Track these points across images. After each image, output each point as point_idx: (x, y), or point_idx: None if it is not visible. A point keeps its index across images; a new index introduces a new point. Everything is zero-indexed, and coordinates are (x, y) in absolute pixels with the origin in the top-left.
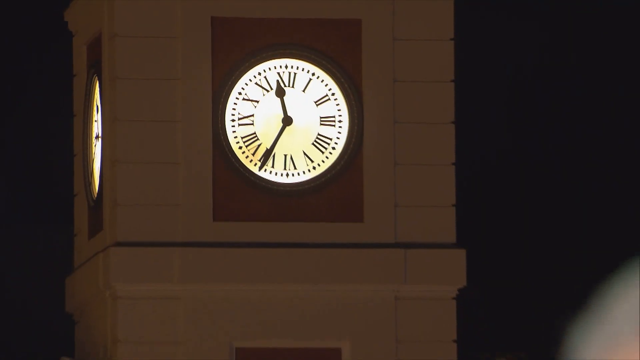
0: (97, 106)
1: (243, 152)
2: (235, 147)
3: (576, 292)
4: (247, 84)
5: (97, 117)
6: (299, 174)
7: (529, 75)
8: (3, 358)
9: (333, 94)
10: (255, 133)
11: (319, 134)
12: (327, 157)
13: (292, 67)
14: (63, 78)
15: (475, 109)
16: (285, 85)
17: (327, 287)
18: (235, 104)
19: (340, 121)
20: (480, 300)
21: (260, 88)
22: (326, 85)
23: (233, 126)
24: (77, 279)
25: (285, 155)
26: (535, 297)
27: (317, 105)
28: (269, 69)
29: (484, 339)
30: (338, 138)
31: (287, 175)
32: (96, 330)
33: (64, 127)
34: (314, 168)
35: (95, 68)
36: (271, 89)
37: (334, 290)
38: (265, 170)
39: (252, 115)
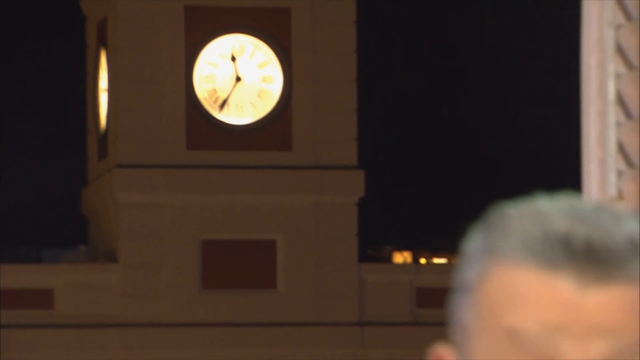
0: (104, 69)
1: (207, 102)
2: (201, 98)
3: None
4: (210, 53)
5: (103, 76)
6: (246, 117)
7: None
8: (33, 243)
9: (271, 60)
10: (215, 88)
11: (261, 89)
12: (267, 105)
13: (242, 40)
14: (79, 49)
15: (377, 68)
16: (236, 54)
17: (266, 197)
18: (201, 67)
19: (276, 79)
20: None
21: (219, 56)
22: (266, 54)
23: (200, 83)
24: (90, 191)
25: (237, 104)
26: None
27: (259, 68)
28: (226, 41)
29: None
30: (275, 91)
31: (239, 118)
32: (104, 229)
33: (80, 83)
34: (257, 113)
35: (102, 42)
36: (227, 56)
37: (271, 199)
38: (223, 114)
39: (214, 75)
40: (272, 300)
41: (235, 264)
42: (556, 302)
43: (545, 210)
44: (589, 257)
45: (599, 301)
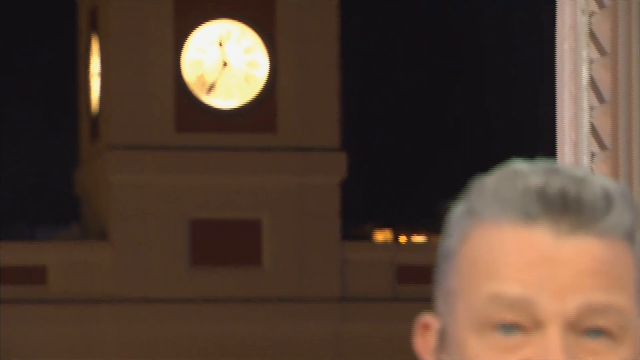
0: (95, 54)
1: (195, 86)
2: (189, 82)
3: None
4: (198, 39)
5: (94, 61)
6: (233, 101)
7: None
8: (27, 221)
9: (257, 46)
10: (203, 73)
11: (247, 73)
12: (253, 89)
13: (229, 26)
14: (71, 36)
15: (359, 52)
16: (223, 39)
17: (252, 177)
18: (189, 52)
19: (262, 64)
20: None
21: (207, 41)
22: (252, 39)
23: (188, 68)
24: (82, 172)
25: (224, 88)
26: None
27: (246, 53)
28: (213, 28)
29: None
30: (260, 76)
31: (226, 101)
32: (96, 208)
33: (71, 68)
34: (244, 97)
35: (93, 28)
36: (214, 42)
37: (257, 179)
38: (210, 98)
39: (201, 60)
40: (257, 277)
41: (222, 242)
42: (533, 255)
43: (521, 169)
44: (564, 208)
45: (573, 252)
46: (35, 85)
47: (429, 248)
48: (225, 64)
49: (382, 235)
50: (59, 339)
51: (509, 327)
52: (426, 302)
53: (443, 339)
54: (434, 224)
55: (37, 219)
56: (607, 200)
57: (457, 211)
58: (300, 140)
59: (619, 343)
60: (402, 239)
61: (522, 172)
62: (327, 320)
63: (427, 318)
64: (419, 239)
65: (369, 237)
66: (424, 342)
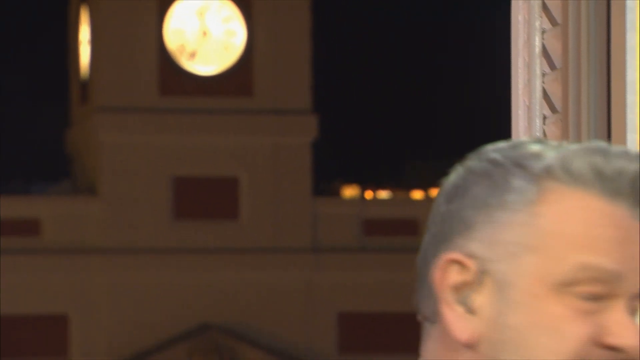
0: (84, 23)
1: (177, 53)
2: (172, 49)
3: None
4: (180, 9)
5: (83, 30)
6: (213, 67)
7: None
8: (22, 177)
9: (235, 16)
10: (184, 41)
11: (226, 41)
12: (231, 56)
13: None
14: (62, 6)
15: (329, 21)
16: (203, 10)
17: (230, 138)
18: (172, 21)
19: (239, 33)
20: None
21: (188, 11)
22: (231, 10)
23: (170, 36)
24: (73, 132)
25: (204, 55)
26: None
27: (224, 22)
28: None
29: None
30: (238, 44)
31: (206, 67)
32: (86, 165)
33: (62, 36)
34: (222, 63)
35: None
36: (195, 12)
37: (235, 140)
38: (192, 64)
39: (183, 29)
40: (234, 229)
41: (203, 197)
42: (623, 235)
43: (603, 147)
44: None
45: None
46: (28, 53)
47: (393, 203)
48: (205, 33)
49: (350, 191)
50: (51, 286)
51: (592, 296)
52: (391, 253)
53: (482, 280)
54: (398, 181)
55: (32, 175)
56: None
57: (523, 168)
58: (274, 103)
59: None
60: (369, 194)
61: (609, 151)
62: (299, 269)
63: (457, 256)
64: (384, 194)
65: (337, 193)
66: (444, 277)
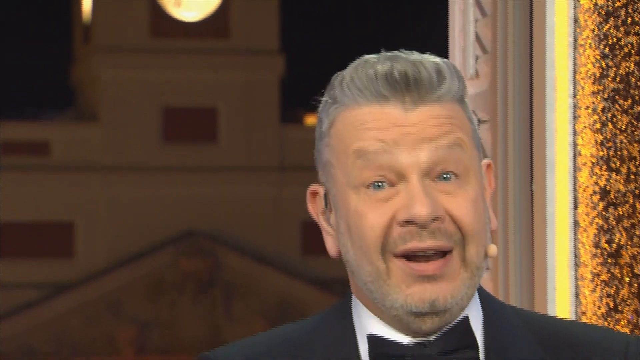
0: None
1: (165, 0)
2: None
3: None
4: None
5: None
6: (195, 12)
7: None
8: (34, 106)
9: None
10: None
11: None
12: (211, 3)
13: None
14: None
15: None
16: None
17: (211, 73)
18: None
19: None
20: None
21: None
22: None
23: None
24: (77, 67)
25: (188, 3)
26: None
27: None
28: None
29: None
30: None
31: (189, 13)
32: (88, 95)
33: None
34: (204, 10)
35: None
36: None
37: (214, 75)
38: (178, 10)
39: None
40: (214, 151)
41: (187, 123)
42: (388, 124)
43: (369, 59)
44: (406, 85)
45: (419, 117)
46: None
47: None
48: None
49: (311, 119)
50: (60, 198)
51: (379, 184)
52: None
53: (327, 201)
54: None
55: (42, 104)
56: (439, 74)
57: (324, 102)
58: (247, 44)
59: (466, 181)
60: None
61: (370, 61)
62: (268, 184)
63: (314, 187)
64: None
65: (301, 121)
66: (314, 206)
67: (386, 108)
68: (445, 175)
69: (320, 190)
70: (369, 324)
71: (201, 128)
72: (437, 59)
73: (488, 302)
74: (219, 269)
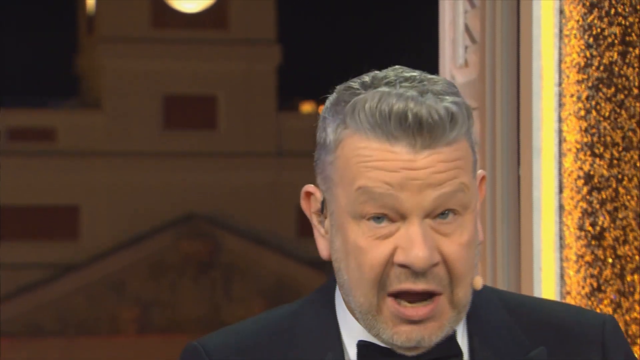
0: None
1: None
2: None
3: None
4: None
5: None
6: (196, 4)
7: None
8: (40, 94)
9: None
10: None
11: None
12: None
13: None
14: None
15: None
16: None
17: (211, 63)
18: None
19: None
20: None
21: None
22: None
23: None
24: (81, 57)
25: None
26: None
27: None
28: None
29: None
30: None
31: (189, 4)
32: (92, 84)
33: None
34: (203, 1)
35: None
36: None
37: (214, 65)
38: (178, 2)
39: None
40: (214, 138)
41: (187, 112)
42: (395, 166)
43: (387, 93)
44: (419, 129)
45: (427, 161)
46: None
47: None
48: None
49: (307, 107)
50: (65, 182)
51: (379, 217)
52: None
53: (324, 208)
54: None
55: (48, 92)
56: (452, 120)
57: (332, 115)
58: (245, 34)
59: (463, 219)
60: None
61: (385, 95)
62: (266, 170)
63: (310, 188)
64: None
65: (297, 109)
66: (308, 205)
67: (396, 148)
68: (445, 212)
69: (318, 193)
70: (354, 328)
71: (201, 115)
72: (451, 101)
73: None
74: (218, 251)
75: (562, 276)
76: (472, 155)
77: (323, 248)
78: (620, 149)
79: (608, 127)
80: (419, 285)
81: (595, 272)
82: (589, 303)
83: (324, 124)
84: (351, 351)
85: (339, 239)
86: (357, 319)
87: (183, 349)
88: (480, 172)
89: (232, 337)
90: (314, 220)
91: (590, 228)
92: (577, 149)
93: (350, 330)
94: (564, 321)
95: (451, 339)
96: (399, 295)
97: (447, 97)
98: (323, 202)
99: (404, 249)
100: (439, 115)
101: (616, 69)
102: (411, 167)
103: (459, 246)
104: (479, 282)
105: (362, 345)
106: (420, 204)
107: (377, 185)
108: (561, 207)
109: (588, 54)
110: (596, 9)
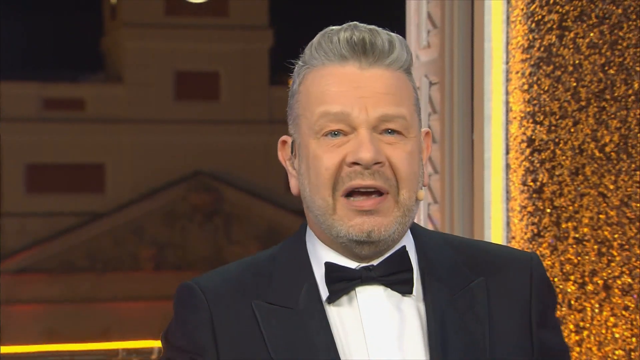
0: None
1: None
2: None
3: None
4: None
5: None
6: None
7: None
8: (72, 69)
9: None
10: None
11: None
12: None
13: None
14: None
15: None
16: None
17: (212, 44)
18: None
19: None
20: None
21: None
22: None
23: None
24: (106, 39)
25: None
26: None
27: None
28: None
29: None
30: None
31: None
32: (115, 61)
33: None
34: None
35: None
36: None
37: (216, 46)
38: None
39: None
40: (217, 107)
41: (195, 85)
42: (345, 80)
43: (334, 28)
44: (364, 50)
45: (371, 79)
46: None
47: None
48: None
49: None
50: (93, 145)
51: (335, 133)
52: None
53: (294, 149)
54: None
55: (78, 68)
56: (391, 44)
57: (297, 65)
58: (243, 21)
59: (406, 137)
60: None
61: (335, 30)
62: (260, 134)
63: (284, 137)
64: None
65: (287, 83)
66: (283, 153)
67: (345, 67)
68: (389, 131)
69: (289, 140)
70: (322, 253)
71: (206, 89)
72: (390, 33)
73: (420, 234)
74: (220, 202)
75: (508, 224)
76: (414, 98)
77: (294, 185)
78: (557, 117)
79: (547, 99)
80: (367, 181)
81: (536, 220)
82: (530, 246)
83: (293, 76)
84: (320, 274)
85: (304, 162)
86: (321, 234)
87: (177, 289)
88: (424, 129)
89: (219, 276)
90: (287, 165)
91: (531, 183)
92: (521, 117)
93: (318, 258)
94: (498, 257)
95: (403, 255)
96: (351, 194)
97: (391, 33)
98: (292, 144)
99: (353, 151)
100: (381, 39)
101: (554, 49)
102: (358, 83)
103: (403, 152)
104: (422, 195)
105: (328, 265)
106: (367, 119)
107: (332, 107)
108: (508, 166)
109: (531, 37)
110: None
